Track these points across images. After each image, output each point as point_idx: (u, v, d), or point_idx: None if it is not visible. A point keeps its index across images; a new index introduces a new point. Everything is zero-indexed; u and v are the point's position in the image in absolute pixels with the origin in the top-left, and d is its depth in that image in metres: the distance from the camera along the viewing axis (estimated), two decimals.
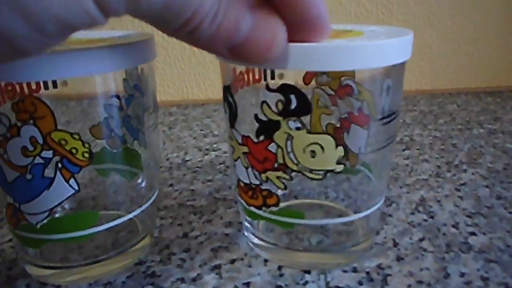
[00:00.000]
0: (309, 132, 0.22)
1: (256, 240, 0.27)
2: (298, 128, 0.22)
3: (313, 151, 0.23)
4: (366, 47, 0.20)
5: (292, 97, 0.22)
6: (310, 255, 0.26)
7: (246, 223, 0.28)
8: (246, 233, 0.28)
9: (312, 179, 0.24)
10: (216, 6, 0.16)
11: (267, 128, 0.23)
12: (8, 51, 0.14)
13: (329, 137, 0.22)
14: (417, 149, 0.44)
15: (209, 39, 0.17)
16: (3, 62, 0.15)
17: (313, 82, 0.23)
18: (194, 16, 0.16)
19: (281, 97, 0.22)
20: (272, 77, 0.22)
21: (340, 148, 0.23)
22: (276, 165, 0.23)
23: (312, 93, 0.23)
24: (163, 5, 0.15)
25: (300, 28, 0.19)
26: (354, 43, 0.20)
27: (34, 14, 0.13)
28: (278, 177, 0.24)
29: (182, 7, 0.15)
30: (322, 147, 0.22)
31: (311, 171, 0.23)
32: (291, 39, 0.19)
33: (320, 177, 0.23)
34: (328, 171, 0.23)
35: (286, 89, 0.22)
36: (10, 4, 0.13)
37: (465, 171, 0.39)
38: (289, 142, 0.23)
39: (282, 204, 0.29)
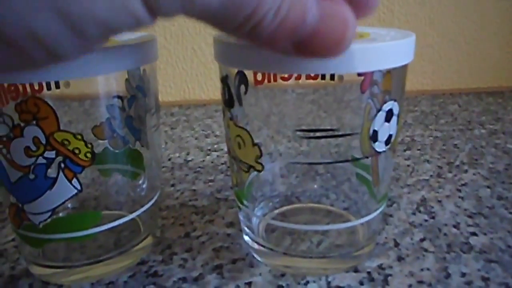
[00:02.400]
0: (236, 125, 0.24)
1: (256, 246, 0.27)
2: (230, 118, 0.24)
3: (238, 143, 0.24)
4: (369, 50, 0.20)
5: (226, 89, 0.23)
6: (311, 261, 0.26)
7: (246, 228, 0.28)
8: (245, 238, 0.28)
9: (243, 170, 0.25)
10: None
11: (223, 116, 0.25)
12: (46, 56, 0.13)
13: (246, 133, 0.23)
14: (418, 149, 0.44)
15: (272, 35, 0.15)
16: (38, 68, 0.14)
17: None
18: (255, 12, 0.14)
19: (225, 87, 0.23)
20: None
21: (256, 147, 0.23)
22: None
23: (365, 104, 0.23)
24: (221, 3, 0.14)
25: (360, 7, 0.17)
26: (355, 46, 0.20)
27: (75, 17, 0.12)
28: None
29: (242, 3, 0.14)
30: (243, 141, 0.24)
31: (240, 161, 0.25)
32: None
33: (245, 169, 0.25)
34: (251, 166, 0.24)
35: (226, 81, 0.23)
36: (51, 7, 0.12)
37: (466, 171, 0.39)
38: (228, 130, 0.24)
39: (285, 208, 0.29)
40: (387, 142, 0.24)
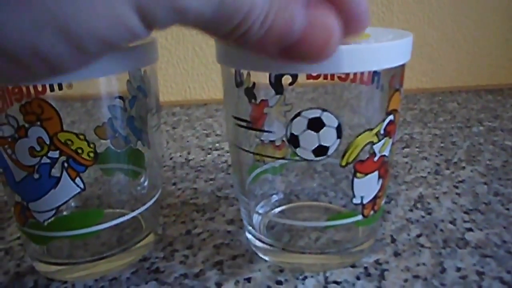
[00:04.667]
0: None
1: (257, 243, 0.27)
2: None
3: None
4: (365, 50, 0.20)
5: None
6: (311, 257, 0.27)
7: (248, 226, 0.28)
8: (247, 235, 0.29)
9: None
10: (267, 6, 0.15)
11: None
12: (47, 70, 0.14)
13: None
14: (417, 147, 0.45)
15: (260, 41, 0.16)
16: (39, 80, 0.15)
17: None
18: (244, 20, 0.15)
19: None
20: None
21: None
22: None
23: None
24: (213, 13, 0.14)
25: (349, 22, 0.18)
26: (352, 46, 0.20)
27: (75, 34, 0.13)
28: None
29: (233, 13, 0.15)
30: None
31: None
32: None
33: None
34: None
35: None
36: (53, 26, 0.13)
37: (463, 168, 0.39)
38: None
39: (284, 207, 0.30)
40: (318, 152, 0.23)
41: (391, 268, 0.26)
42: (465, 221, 0.31)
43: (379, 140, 0.23)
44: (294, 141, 0.23)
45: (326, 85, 0.24)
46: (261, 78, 0.23)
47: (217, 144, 0.47)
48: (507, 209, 0.32)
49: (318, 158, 0.23)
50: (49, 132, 0.22)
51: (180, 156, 0.44)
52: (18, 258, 0.28)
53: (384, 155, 0.24)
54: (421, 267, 0.26)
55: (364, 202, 0.25)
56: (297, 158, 0.24)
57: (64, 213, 0.27)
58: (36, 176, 0.23)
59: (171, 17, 0.14)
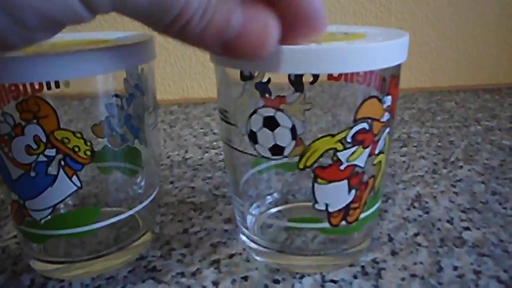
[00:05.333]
0: None
1: (252, 245, 0.27)
2: None
3: None
4: (359, 50, 0.20)
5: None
6: (306, 258, 0.26)
7: (242, 227, 0.28)
8: (241, 237, 0.28)
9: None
10: (205, 1, 0.16)
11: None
12: None
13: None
14: (414, 146, 0.45)
15: (199, 35, 0.17)
16: None
17: None
18: (182, 13, 0.16)
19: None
20: None
21: None
22: None
23: None
24: (149, 3, 0.15)
25: (296, 25, 0.19)
26: (347, 46, 0.20)
27: (14, 7, 0.13)
28: None
29: (169, 4, 0.15)
30: None
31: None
32: (287, 37, 0.19)
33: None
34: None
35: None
36: None
37: (461, 167, 0.39)
38: None
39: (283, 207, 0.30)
40: (274, 151, 0.23)
41: (388, 267, 0.26)
42: (462, 220, 0.31)
43: (345, 148, 0.22)
44: (253, 137, 0.23)
45: (323, 84, 0.24)
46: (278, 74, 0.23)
47: (214, 143, 0.47)
48: (504, 208, 0.32)
49: (275, 157, 0.23)
50: (45, 130, 0.22)
51: (178, 154, 0.44)
52: (15, 257, 0.28)
53: (356, 165, 0.23)
54: (418, 266, 0.26)
55: (330, 210, 0.24)
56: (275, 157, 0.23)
57: (61, 211, 0.27)
58: (32, 174, 0.23)
59: (110, 2, 0.15)
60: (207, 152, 0.44)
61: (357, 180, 0.23)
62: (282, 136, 0.23)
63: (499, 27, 0.65)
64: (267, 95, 0.23)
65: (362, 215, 0.25)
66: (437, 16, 0.64)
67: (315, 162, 0.23)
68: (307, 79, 0.22)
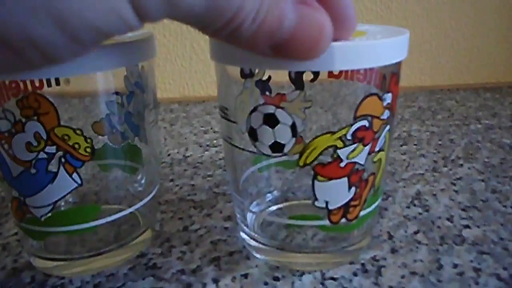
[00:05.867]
0: None
1: (252, 242, 0.27)
2: None
3: None
4: (360, 47, 0.20)
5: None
6: (307, 256, 0.26)
7: (242, 224, 0.28)
8: (241, 235, 0.29)
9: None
10: (258, 3, 0.15)
11: None
12: (41, 58, 0.14)
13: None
14: (415, 144, 0.45)
15: (251, 37, 0.16)
16: (34, 68, 0.15)
17: None
18: (236, 16, 0.15)
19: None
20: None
21: None
22: None
23: None
24: (205, 7, 0.14)
25: (337, 25, 0.18)
26: (348, 43, 0.20)
27: (70, 23, 0.13)
28: None
29: (224, 7, 0.15)
30: None
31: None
32: None
33: None
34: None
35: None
36: (47, 14, 0.13)
37: (461, 165, 0.39)
38: None
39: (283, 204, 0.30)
40: (274, 148, 0.23)
41: (388, 265, 0.26)
42: (462, 218, 0.31)
43: (345, 146, 0.22)
44: (253, 134, 0.24)
45: (323, 82, 0.24)
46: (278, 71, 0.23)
47: (214, 141, 0.47)
48: (504, 206, 0.33)
49: (275, 155, 0.23)
50: (46, 126, 0.22)
51: (178, 152, 0.44)
52: (16, 254, 0.28)
53: (356, 162, 0.23)
54: (418, 264, 0.26)
55: (330, 207, 0.24)
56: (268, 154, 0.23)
57: (62, 208, 0.27)
58: (33, 171, 0.23)
59: (164, 8, 0.14)
60: (207, 150, 0.44)
61: (357, 177, 0.23)
62: (282, 133, 0.23)
63: (499, 25, 0.65)
64: (267, 93, 0.23)
65: (362, 213, 0.25)
66: (438, 14, 0.64)
67: (315, 159, 0.23)
68: (308, 77, 0.22)
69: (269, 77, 0.22)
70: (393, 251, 0.28)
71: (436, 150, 0.43)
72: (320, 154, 0.23)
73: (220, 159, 0.42)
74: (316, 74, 0.22)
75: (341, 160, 0.23)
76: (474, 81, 0.67)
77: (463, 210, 0.32)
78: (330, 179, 0.23)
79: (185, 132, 0.50)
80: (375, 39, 0.21)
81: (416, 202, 0.33)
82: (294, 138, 0.23)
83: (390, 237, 0.29)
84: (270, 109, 0.22)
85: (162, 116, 0.56)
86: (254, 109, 0.23)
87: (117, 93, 0.24)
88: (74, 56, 0.14)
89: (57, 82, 0.22)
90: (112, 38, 0.15)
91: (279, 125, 0.23)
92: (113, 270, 0.27)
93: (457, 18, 0.64)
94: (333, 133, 0.22)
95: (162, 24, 0.60)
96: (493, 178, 0.37)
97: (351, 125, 0.22)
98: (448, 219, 0.31)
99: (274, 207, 0.30)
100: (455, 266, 0.26)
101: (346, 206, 0.24)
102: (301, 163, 0.23)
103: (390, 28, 0.25)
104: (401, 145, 0.44)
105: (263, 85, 0.23)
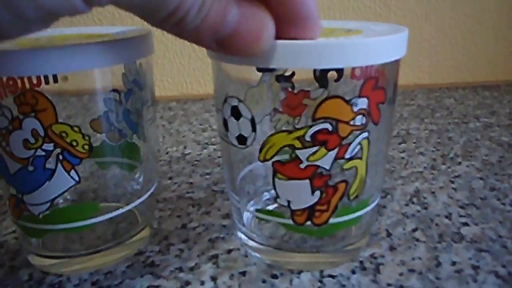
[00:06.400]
0: None
1: (250, 242, 0.27)
2: None
3: None
4: (358, 45, 0.20)
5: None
6: (305, 256, 0.26)
7: (239, 224, 0.28)
8: (238, 234, 0.28)
9: None
10: None
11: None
12: None
13: None
14: (413, 142, 0.45)
15: (195, 31, 0.17)
16: None
17: None
18: (178, 8, 0.16)
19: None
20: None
21: None
22: None
23: None
24: None
25: (290, 25, 0.19)
26: (345, 41, 0.20)
27: (15, 1, 0.13)
28: None
29: None
30: None
31: None
32: (282, 37, 0.19)
33: None
34: None
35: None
36: None
37: (460, 163, 0.39)
38: None
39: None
40: (239, 140, 0.24)
41: (386, 262, 0.26)
42: (460, 216, 0.31)
43: (304, 147, 0.22)
44: (225, 124, 0.24)
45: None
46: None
47: (213, 139, 0.47)
48: (503, 204, 0.33)
49: (241, 146, 0.24)
50: (43, 123, 0.22)
51: (176, 150, 0.44)
52: (13, 252, 0.28)
53: (319, 166, 0.22)
54: (416, 261, 0.26)
55: (293, 207, 0.24)
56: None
57: (59, 206, 0.27)
58: (30, 168, 0.23)
59: None
60: (205, 148, 0.44)
61: (321, 182, 0.23)
62: (244, 127, 0.23)
63: (498, 24, 0.65)
64: (289, 89, 0.22)
65: (333, 220, 0.24)
66: (436, 13, 0.64)
67: (273, 156, 0.23)
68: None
69: (293, 73, 0.22)
70: (392, 248, 0.28)
71: (434, 148, 0.43)
72: (279, 151, 0.23)
73: (218, 157, 0.42)
74: (340, 73, 0.21)
75: (301, 161, 0.22)
76: (473, 79, 0.67)
77: (461, 207, 0.32)
78: (290, 178, 0.23)
79: (184, 130, 0.50)
80: (372, 37, 0.21)
81: (414, 200, 0.33)
82: (254, 133, 0.23)
83: (389, 234, 0.29)
84: (235, 101, 0.23)
85: (161, 114, 0.56)
86: (225, 100, 0.23)
87: (115, 90, 0.24)
88: (22, 33, 0.15)
89: (55, 80, 0.22)
90: (62, 17, 0.15)
91: (241, 118, 0.23)
92: (111, 267, 0.26)
93: (456, 17, 0.64)
94: (290, 132, 0.22)
95: None
96: (492, 176, 0.37)
97: (310, 126, 0.22)
98: (446, 217, 0.31)
99: (271, 206, 0.30)
100: (454, 263, 0.26)
101: (311, 209, 0.24)
102: (260, 158, 0.23)
103: (388, 25, 0.25)
104: (400, 143, 0.44)
105: (286, 81, 0.22)
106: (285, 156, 0.23)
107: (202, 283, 0.25)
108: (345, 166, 0.23)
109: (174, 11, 0.16)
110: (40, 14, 0.14)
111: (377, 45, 0.20)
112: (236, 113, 0.23)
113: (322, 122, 0.22)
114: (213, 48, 0.18)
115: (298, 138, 0.22)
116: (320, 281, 0.25)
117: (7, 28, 0.14)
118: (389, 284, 0.25)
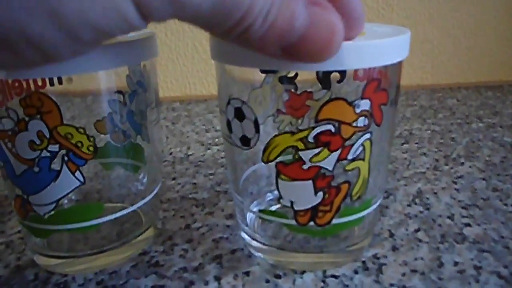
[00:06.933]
0: None
1: (253, 242, 0.27)
2: None
3: None
4: (360, 47, 0.20)
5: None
6: (308, 256, 0.26)
7: (242, 224, 0.28)
8: (242, 234, 0.29)
9: None
10: (268, 4, 0.15)
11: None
12: (40, 57, 0.14)
13: None
14: (416, 143, 0.45)
15: (261, 39, 0.16)
16: (32, 67, 0.14)
17: None
18: (245, 16, 0.15)
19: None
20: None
21: None
22: None
23: None
24: (212, 7, 0.14)
25: (347, 25, 0.18)
26: (348, 43, 0.20)
27: (67, 21, 0.13)
28: None
29: (233, 8, 0.14)
30: None
31: None
32: None
33: None
34: None
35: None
36: (43, 10, 0.12)
37: (462, 164, 0.40)
38: None
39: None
40: (243, 141, 0.24)
41: (389, 263, 0.26)
42: (463, 216, 0.31)
43: (307, 148, 0.22)
44: (229, 126, 0.24)
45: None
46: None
47: (216, 140, 0.47)
48: (505, 204, 0.33)
49: (245, 148, 0.24)
50: (49, 125, 0.22)
51: (180, 151, 0.44)
52: (19, 252, 0.29)
53: (322, 167, 0.22)
54: (419, 262, 0.26)
55: (296, 208, 0.24)
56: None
57: (65, 206, 0.27)
58: (36, 169, 0.23)
59: (168, 9, 0.14)
60: (209, 149, 0.45)
61: (324, 182, 0.23)
62: (248, 128, 0.23)
63: (501, 24, 0.65)
64: (293, 90, 0.23)
65: (336, 221, 0.24)
66: (439, 13, 0.64)
67: (276, 157, 0.23)
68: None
69: (296, 74, 0.22)
70: (394, 249, 0.28)
71: (437, 149, 0.43)
72: (282, 152, 0.23)
73: (222, 157, 0.42)
74: (343, 74, 0.22)
75: (304, 162, 0.23)
76: (475, 79, 0.67)
77: (464, 208, 0.32)
78: (293, 179, 0.23)
79: (187, 130, 0.50)
80: (374, 39, 0.21)
81: (417, 200, 0.33)
82: (257, 134, 0.23)
83: (391, 235, 0.29)
84: (238, 103, 0.23)
85: (164, 115, 0.56)
86: (229, 102, 0.23)
87: (119, 92, 0.25)
88: (74, 54, 0.14)
89: (60, 81, 0.22)
90: (115, 37, 0.14)
91: (245, 119, 0.23)
92: (116, 267, 0.27)
93: (458, 17, 0.64)
94: (293, 133, 0.22)
95: (164, 23, 0.60)
96: (494, 176, 0.37)
97: (313, 127, 0.22)
98: (449, 217, 0.31)
99: (274, 207, 0.30)
100: (456, 264, 0.26)
101: (314, 210, 0.24)
102: (264, 159, 0.23)
103: (390, 27, 0.25)
104: (402, 144, 0.44)
105: (289, 82, 0.22)
106: (288, 157, 0.23)
107: (206, 283, 0.25)
108: (348, 167, 0.23)
109: (240, 21, 0.15)
110: (94, 35, 0.13)
111: (380, 47, 0.21)
112: (240, 115, 0.23)
113: (325, 124, 0.22)
114: (278, 56, 0.17)
115: (301, 139, 0.22)
116: (323, 281, 0.25)
117: (60, 50, 0.14)
118: (391, 284, 0.25)
